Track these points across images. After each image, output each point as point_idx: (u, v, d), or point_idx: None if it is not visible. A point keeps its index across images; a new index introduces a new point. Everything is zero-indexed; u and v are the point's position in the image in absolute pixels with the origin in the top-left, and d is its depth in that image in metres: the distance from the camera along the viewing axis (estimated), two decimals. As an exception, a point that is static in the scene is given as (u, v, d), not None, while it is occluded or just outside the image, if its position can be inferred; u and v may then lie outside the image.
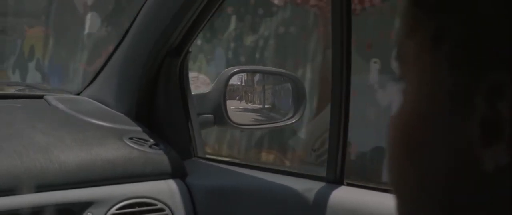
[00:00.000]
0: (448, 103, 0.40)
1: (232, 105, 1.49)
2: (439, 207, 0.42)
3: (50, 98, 1.51)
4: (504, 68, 0.38)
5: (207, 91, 1.50)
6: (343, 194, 1.18)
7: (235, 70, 1.51)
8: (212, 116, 1.47)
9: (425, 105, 0.42)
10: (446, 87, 0.41)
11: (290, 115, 1.55)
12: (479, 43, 0.39)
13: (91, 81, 1.59)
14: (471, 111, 0.39)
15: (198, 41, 4.21)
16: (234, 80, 1.50)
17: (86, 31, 5.27)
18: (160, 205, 1.28)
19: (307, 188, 1.23)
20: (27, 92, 1.79)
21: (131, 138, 1.36)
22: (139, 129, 1.42)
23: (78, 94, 1.60)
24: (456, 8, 0.40)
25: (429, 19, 0.42)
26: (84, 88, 1.60)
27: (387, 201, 1.12)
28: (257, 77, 1.62)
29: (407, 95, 0.44)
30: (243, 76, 1.56)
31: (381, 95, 3.58)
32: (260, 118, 1.58)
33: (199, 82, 3.21)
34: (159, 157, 1.35)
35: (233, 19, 4.40)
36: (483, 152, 0.38)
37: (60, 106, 1.46)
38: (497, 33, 0.38)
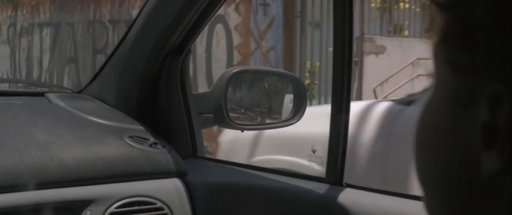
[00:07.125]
0: (453, 104, 0.41)
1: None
2: (445, 203, 0.43)
3: (51, 95, 1.51)
4: (501, 77, 0.38)
5: (208, 91, 1.50)
6: (342, 196, 1.18)
7: (236, 70, 1.51)
8: (212, 115, 1.47)
9: (434, 104, 0.43)
10: (450, 89, 0.41)
11: (290, 115, 1.55)
12: (476, 51, 0.39)
13: (92, 80, 1.59)
14: (473, 115, 0.39)
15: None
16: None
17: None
18: (159, 204, 1.28)
19: (307, 188, 1.23)
20: (28, 89, 1.79)
21: (131, 137, 1.36)
22: (139, 127, 1.42)
23: (79, 92, 1.60)
24: (458, 8, 0.40)
25: (440, 17, 0.42)
26: (85, 86, 1.60)
27: (386, 202, 1.12)
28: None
29: (428, 93, 0.45)
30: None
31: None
32: (261, 118, 1.58)
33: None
34: (159, 156, 1.35)
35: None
36: (482, 154, 0.39)
37: (61, 104, 1.46)
38: (493, 42, 0.38)
